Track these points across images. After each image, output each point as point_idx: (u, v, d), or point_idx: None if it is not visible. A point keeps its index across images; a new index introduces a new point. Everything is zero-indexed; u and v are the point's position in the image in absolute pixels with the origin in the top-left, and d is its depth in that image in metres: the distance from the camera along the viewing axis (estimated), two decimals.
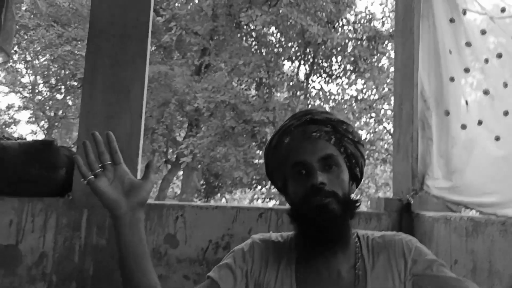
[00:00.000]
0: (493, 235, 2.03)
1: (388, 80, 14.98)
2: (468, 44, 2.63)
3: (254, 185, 15.70)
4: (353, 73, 15.46)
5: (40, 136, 19.38)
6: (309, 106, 14.33)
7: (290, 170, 1.46)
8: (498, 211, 2.34)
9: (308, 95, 15.04)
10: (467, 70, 2.63)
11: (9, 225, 2.60)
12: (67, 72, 15.47)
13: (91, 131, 2.61)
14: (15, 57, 17.50)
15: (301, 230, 1.44)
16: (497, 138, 2.46)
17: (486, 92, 2.54)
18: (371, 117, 15.49)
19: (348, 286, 1.42)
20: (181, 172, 16.43)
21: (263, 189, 16.04)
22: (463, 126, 2.60)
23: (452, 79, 2.66)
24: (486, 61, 2.55)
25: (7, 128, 20.03)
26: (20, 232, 2.60)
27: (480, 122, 2.53)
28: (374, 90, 15.49)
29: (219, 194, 16.95)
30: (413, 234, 2.68)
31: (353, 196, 1.49)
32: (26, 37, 16.00)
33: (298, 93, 15.05)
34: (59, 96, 17.44)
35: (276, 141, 1.52)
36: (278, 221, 2.70)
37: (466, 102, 2.61)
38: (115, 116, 2.71)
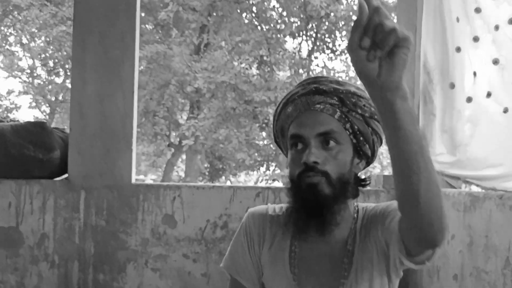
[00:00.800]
0: (490, 210, 2.00)
1: None
2: (478, 10, 2.48)
3: (258, 167, 15.66)
4: None
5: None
6: None
7: (288, 141, 1.39)
8: (498, 184, 2.30)
9: (311, 72, 14.86)
10: (476, 39, 2.50)
11: (8, 207, 2.63)
12: (64, 54, 15.34)
13: (83, 111, 2.67)
14: (11, 39, 17.39)
15: (292, 207, 1.39)
16: (505, 110, 2.37)
17: (495, 62, 2.42)
18: None
19: (339, 262, 1.39)
20: (184, 156, 16.41)
21: (267, 171, 16.01)
22: (469, 99, 2.50)
23: (458, 49, 2.54)
24: (497, 28, 2.42)
25: (9, 114, 20.01)
26: (19, 214, 2.63)
27: (489, 94, 2.42)
28: None
29: (223, 177, 16.93)
30: None
31: (359, 174, 1.40)
32: (20, 17, 15.86)
33: (301, 71, 14.88)
34: (58, 80, 17.38)
35: (280, 109, 1.44)
36: (275, 200, 2.72)
37: (474, 74, 2.50)
38: (107, 96, 2.70)
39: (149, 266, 2.68)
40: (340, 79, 1.50)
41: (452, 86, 2.56)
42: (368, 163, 1.45)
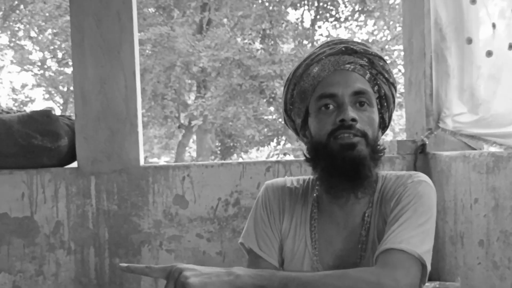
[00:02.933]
0: None
1: (401, 18, 14.26)
2: None
3: (268, 142, 15.63)
4: (361, 14, 14.90)
5: (57, 112, 19.40)
6: None
7: (315, 103, 1.32)
8: None
9: (315, 43, 14.68)
10: None
11: (22, 197, 2.66)
12: (70, 44, 15.32)
13: (86, 96, 2.66)
14: (20, 34, 17.41)
15: (324, 170, 1.32)
16: None
17: None
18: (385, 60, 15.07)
19: (357, 234, 1.36)
20: (195, 136, 16.44)
21: (278, 146, 15.99)
22: (489, 53, 2.38)
23: (473, 1, 2.41)
24: None
25: (24, 107, 20.11)
26: (33, 203, 2.66)
27: (511, 46, 2.30)
28: (387, 31, 14.95)
29: (235, 155, 16.95)
30: (429, 175, 2.55)
31: (380, 142, 1.37)
32: (26, 12, 15.88)
33: (305, 41, 14.70)
34: (68, 70, 17.42)
35: (302, 70, 1.35)
36: (286, 173, 2.68)
37: (493, 25, 2.37)
38: (108, 79, 2.68)
39: (163, 248, 2.69)
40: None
41: (469, 41, 2.44)
42: (382, 133, 1.42)
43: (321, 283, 1.16)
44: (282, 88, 1.49)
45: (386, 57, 14.84)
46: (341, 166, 1.27)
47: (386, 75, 1.35)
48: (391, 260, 1.19)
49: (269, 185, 1.51)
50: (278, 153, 16.07)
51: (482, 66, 2.42)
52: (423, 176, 1.35)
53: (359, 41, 1.41)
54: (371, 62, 1.34)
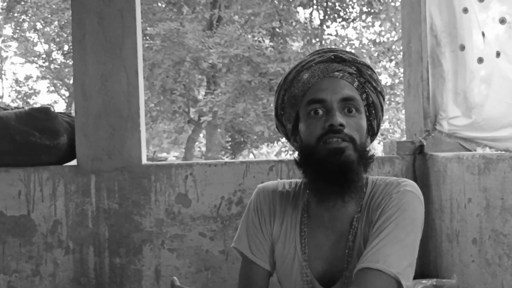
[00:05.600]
0: (504, 171, 1.98)
1: None
2: None
3: (277, 139, 15.66)
4: (369, 16, 15.07)
5: (62, 105, 19.56)
6: None
7: (305, 108, 1.34)
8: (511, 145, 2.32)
9: (323, 42, 14.76)
10: None
11: (18, 195, 2.61)
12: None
13: (87, 93, 2.62)
14: (25, 25, 17.51)
15: (313, 174, 1.34)
16: None
17: (502, 21, 2.41)
18: (390, 60, 15.16)
19: (343, 240, 1.37)
20: (205, 131, 16.51)
21: (287, 143, 16.01)
22: (480, 60, 2.50)
23: (465, 10, 2.53)
24: None
25: (28, 99, 20.23)
26: (30, 202, 2.61)
27: (498, 54, 2.43)
28: (393, 32, 15.11)
29: (246, 150, 17.00)
30: (427, 175, 2.68)
31: (368, 148, 1.38)
32: (31, 4, 15.96)
33: (313, 40, 14.78)
34: None
35: (293, 76, 1.39)
36: (289, 172, 2.67)
37: (483, 34, 2.50)
38: (110, 76, 2.65)
39: (165, 247, 2.65)
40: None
41: (462, 48, 2.56)
42: (371, 140, 1.43)
43: None
44: None
45: (392, 57, 14.90)
46: (329, 170, 1.29)
47: (374, 84, 1.38)
48: (367, 280, 1.22)
49: (260, 189, 1.53)
50: (287, 149, 16.11)
51: (475, 71, 2.54)
52: (410, 185, 1.36)
53: (347, 50, 1.44)
54: (359, 70, 1.37)
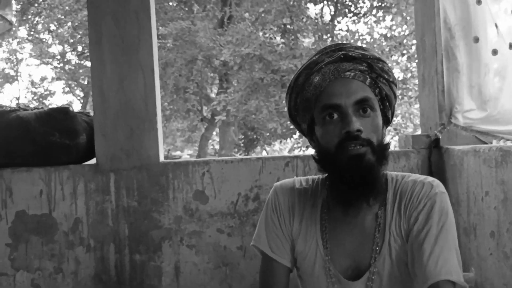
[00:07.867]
0: None
1: None
2: None
3: (290, 135, 15.65)
4: (379, 10, 14.99)
5: (77, 105, 19.70)
6: None
7: (319, 113, 1.34)
8: None
9: (334, 37, 14.71)
10: None
11: (40, 195, 2.66)
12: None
13: (105, 94, 2.66)
14: (39, 27, 17.63)
15: (334, 180, 1.34)
16: None
17: None
18: (402, 55, 15.09)
19: (370, 236, 1.37)
20: (218, 129, 16.54)
21: (300, 139, 15.99)
22: (494, 52, 2.50)
23: (479, 2, 2.52)
24: None
25: (44, 100, 20.40)
26: (51, 201, 2.66)
27: (511, 46, 2.43)
28: (405, 26, 15.01)
29: (259, 147, 16.99)
30: (443, 169, 2.66)
31: (385, 140, 1.38)
32: (45, 5, 16.07)
33: (325, 36, 14.74)
34: (88, 64, 17.60)
35: (303, 79, 1.38)
36: (305, 168, 2.67)
37: (496, 26, 2.49)
38: (127, 77, 2.68)
39: (184, 243, 2.68)
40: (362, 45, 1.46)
41: (476, 40, 2.54)
42: (386, 127, 1.44)
43: None
44: None
45: (404, 52, 14.79)
46: (351, 177, 1.29)
47: (386, 76, 1.37)
48: None
49: (277, 186, 1.53)
50: (301, 146, 16.07)
51: (489, 64, 2.53)
52: (441, 185, 1.37)
53: (356, 44, 1.43)
54: (370, 66, 1.35)
